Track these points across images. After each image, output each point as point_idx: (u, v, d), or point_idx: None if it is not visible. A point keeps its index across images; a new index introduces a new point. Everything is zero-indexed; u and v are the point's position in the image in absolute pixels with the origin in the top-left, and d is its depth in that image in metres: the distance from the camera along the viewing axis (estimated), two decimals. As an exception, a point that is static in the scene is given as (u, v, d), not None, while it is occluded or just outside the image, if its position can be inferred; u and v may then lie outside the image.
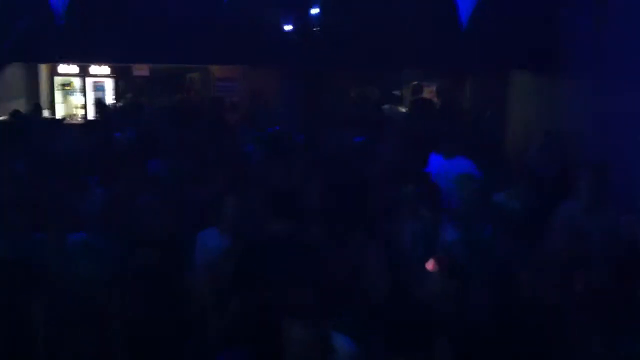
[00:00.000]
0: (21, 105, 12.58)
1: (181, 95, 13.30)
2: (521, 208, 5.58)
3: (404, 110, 11.12)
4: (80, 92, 13.91)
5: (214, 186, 5.77)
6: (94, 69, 13.80)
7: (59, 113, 13.67)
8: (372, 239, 5.06)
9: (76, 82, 13.93)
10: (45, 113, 13.30)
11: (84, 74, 13.83)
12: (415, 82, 12.47)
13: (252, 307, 4.25)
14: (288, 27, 10.27)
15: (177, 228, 5.30)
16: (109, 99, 13.86)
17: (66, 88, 13.99)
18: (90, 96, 13.84)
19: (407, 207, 5.24)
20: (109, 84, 14.01)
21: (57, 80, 13.88)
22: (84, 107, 13.84)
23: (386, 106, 10.89)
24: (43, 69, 13.60)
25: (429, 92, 12.77)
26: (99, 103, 11.77)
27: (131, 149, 7.02)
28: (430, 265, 4.42)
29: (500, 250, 4.92)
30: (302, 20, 10.29)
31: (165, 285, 4.55)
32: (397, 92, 11.88)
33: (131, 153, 6.86)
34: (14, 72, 12.40)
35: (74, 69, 13.73)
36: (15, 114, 8.85)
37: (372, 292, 4.48)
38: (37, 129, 8.87)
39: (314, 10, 10.25)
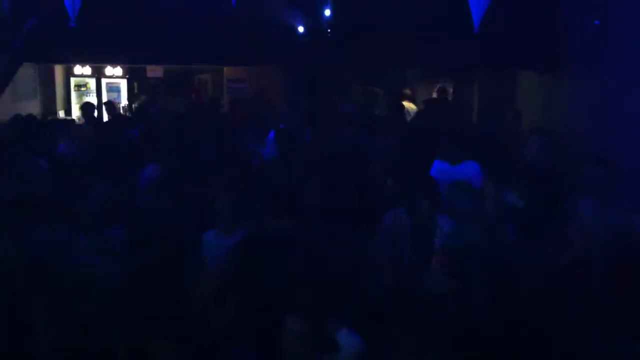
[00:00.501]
0: (37, 105, 12.76)
1: (192, 96, 13.35)
2: (525, 206, 5.55)
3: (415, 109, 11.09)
4: (95, 92, 14.01)
5: (220, 186, 5.79)
6: (108, 70, 13.91)
7: (75, 113, 13.78)
8: (373, 237, 5.07)
9: (91, 82, 14.03)
10: (61, 113, 13.49)
11: (98, 75, 13.93)
12: (440, 85, 12.48)
13: (253, 305, 4.26)
14: (297, 27, 10.29)
15: (184, 228, 5.33)
16: (124, 99, 13.96)
17: (82, 89, 14.10)
18: (105, 97, 13.95)
19: (408, 205, 5.21)
20: (123, 85, 14.10)
21: (73, 81, 14.00)
22: (99, 107, 13.93)
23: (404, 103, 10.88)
24: (59, 70, 13.73)
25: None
26: (109, 103, 11.85)
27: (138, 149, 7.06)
28: (435, 260, 4.43)
29: (501, 247, 4.90)
30: (311, 19, 10.30)
31: (169, 284, 4.59)
32: (408, 92, 11.85)
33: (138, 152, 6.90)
34: (31, 73, 12.53)
35: (89, 69, 13.85)
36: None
37: (373, 290, 4.48)
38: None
39: (324, 10, 10.26)
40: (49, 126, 8.85)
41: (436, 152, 6.82)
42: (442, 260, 4.41)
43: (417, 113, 10.76)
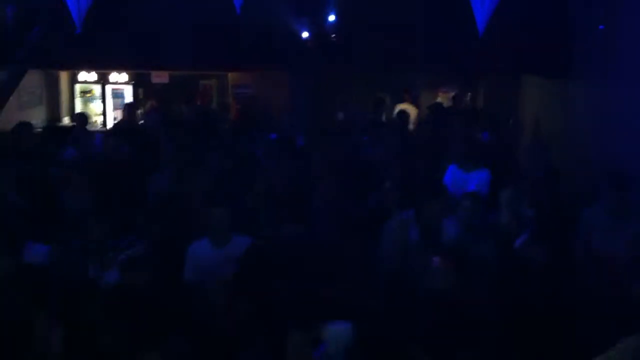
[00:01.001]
0: (42, 112, 12.79)
1: (197, 102, 13.33)
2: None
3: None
4: (99, 99, 14.02)
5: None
6: (113, 76, 13.91)
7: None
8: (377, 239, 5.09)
9: (96, 89, 14.03)
10: (66, 120, 13.50)
11: (103, 81, 13.93)
12: (455, 92, 12.56)
13: (261, 310, 4.28)
14: (302, 33, 10.33)
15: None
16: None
17: (86, 95, 14.09)
18: (110, 103, 13.96)
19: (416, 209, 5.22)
20: (128, 91, 14.09)
21: (78, 87, 14.00)
22: (104, 113, 13.96)
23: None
24: (64, 76, 13.75)
25: (444, 98, 12.84)
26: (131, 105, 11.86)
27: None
28: (436, 261, 4.45)
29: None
30: (316, 25, 10.33)
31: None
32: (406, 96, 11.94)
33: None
34: (36, 80, 12.56)
35: (93, 76, 13.85)
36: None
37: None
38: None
39: (328, 16, 10.29)
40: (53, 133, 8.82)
41: (441, 157, 6.89)
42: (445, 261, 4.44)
43: (423, 118, 10.78)
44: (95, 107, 14.00)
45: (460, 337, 4.01)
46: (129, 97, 13.97)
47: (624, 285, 4.75)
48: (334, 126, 8.76)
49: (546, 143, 7.49)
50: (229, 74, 13.30)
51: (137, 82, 14.15)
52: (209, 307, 4.57)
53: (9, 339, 4.06)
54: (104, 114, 13.92)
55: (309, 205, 5.67)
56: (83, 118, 9.60)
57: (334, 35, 10.64)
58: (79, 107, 13.84)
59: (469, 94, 13.30)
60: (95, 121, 13.81)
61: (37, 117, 11.96)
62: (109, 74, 13.81)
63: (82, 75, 13.81)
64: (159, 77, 13.88)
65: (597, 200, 5.54)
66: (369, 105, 10.45)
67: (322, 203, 5.70)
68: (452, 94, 12.72)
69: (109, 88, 13.97)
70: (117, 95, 14.02)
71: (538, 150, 6.91)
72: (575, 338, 4.13)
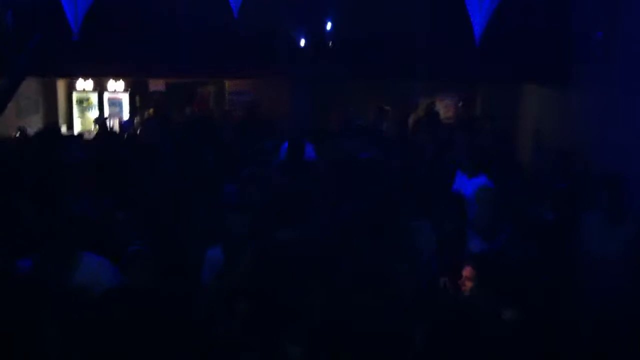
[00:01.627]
0: (39, 120, 12.78)
1: (194, 109, 13.34)
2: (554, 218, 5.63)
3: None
4: (97, 107, 14.01)
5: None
6: (110, 84, 13.92)
7: (77, 128, 13.76)
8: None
9: (93, 97, 14.03)
10: (64, 128, 13.47)
11: (100, 89, 13.93)
12: (446, 100, 12.63)
13: (261, 314, 4.26)
14: (299, 40, 10.36)
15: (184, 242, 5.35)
16: (126, 113, 13.97)
17: (84, 104, 14.08)
18: (107, 111, 13.96)
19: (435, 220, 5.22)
20: (125, 99, 14.11)
21: (75, 96, 14.00)
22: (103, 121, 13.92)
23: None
24: (61, 85, 13.75)
25: (442, 105, 12.89)
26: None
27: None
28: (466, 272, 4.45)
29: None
30: (313, 32, 10.35)
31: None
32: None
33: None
34: (33, 87, 12.56)
35: (90, 84, 13.85)
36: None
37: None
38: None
39: (326, 23, 10.32)
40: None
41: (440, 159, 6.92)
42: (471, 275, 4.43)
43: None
44: (92, 116, 13.99)
45: (462, 337, 4.00)
46: (126, 106, 14.01)
47: (619, 286, 4.78)
48: (333, 130, 8.75)
49: (563, 150, 7.53)
50: (227, 80, 13.32)
51: (133, 90, 14.16)
52: (211, 308, 4.56)
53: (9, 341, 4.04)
54: (103, 121, 13.88)
55: (309, 205, 5.65)
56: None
57: (331, 42, 10.66)
58: (76, 116, 13.86)
59: (472, 99, 13.32)
60: (94, 129, 13.80)
61: (34, 125, 11.94)
62: (106, 82, 13.82)
63: (80, 84, 13.83)
64: (156, 85, 13.91)
65: (595, 203, 5.58)
66: (369, 111, 10.47)
67: (322, 203, 5.69)
68: (445, 101, 12.76)
69: (106, 96, 13.99)
70: (114, 103, 14.04)
71: (553, 161, 6.99)
72: (574, 339, 4.14)
